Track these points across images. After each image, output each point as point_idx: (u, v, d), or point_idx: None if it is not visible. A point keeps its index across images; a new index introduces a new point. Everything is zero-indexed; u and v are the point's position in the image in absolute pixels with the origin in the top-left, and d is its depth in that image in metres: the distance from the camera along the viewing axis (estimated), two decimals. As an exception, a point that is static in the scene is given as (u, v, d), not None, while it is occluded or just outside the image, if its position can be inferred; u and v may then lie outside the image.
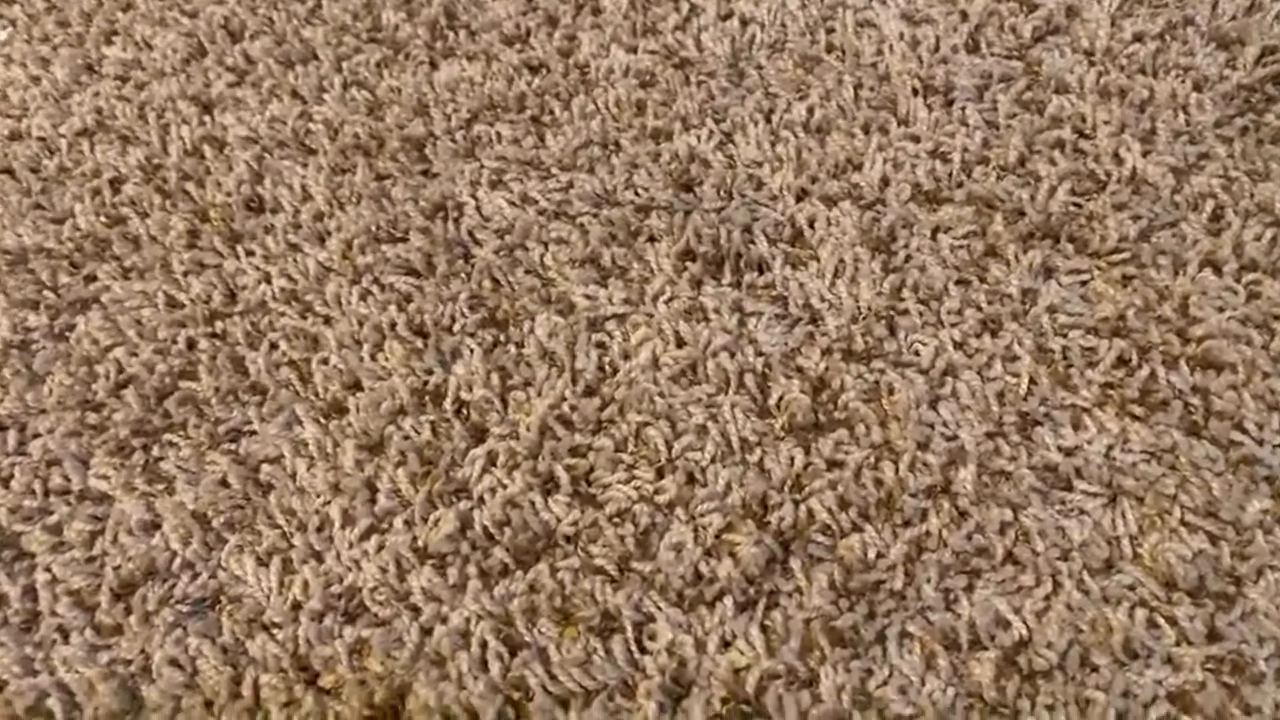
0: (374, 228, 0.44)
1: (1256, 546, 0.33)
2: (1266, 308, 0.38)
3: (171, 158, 0.47)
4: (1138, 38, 0.45)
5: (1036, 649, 0.32)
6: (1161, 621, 0.32)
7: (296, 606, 0.35)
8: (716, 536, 0.35)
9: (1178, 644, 0.32)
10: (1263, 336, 0.37)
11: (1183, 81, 0.44)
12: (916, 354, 0.38)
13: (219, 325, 0.42)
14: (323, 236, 0.44)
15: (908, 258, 0.40)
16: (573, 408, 0.38)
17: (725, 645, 0.33)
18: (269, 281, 0.43)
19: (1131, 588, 0.33)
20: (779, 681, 0.32)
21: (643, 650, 0.33)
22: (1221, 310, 0.38)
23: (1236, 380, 0.36)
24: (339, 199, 0.45)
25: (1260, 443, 0.35)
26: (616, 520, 0.35)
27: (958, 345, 0.38)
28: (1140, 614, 0.32)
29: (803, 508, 0.35)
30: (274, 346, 0.41)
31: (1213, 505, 0.34)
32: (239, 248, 0.44)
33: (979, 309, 0.39)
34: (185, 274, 0.43)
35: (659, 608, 0.34)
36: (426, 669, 0.33)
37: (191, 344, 0.41)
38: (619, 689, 0.32)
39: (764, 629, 0.33)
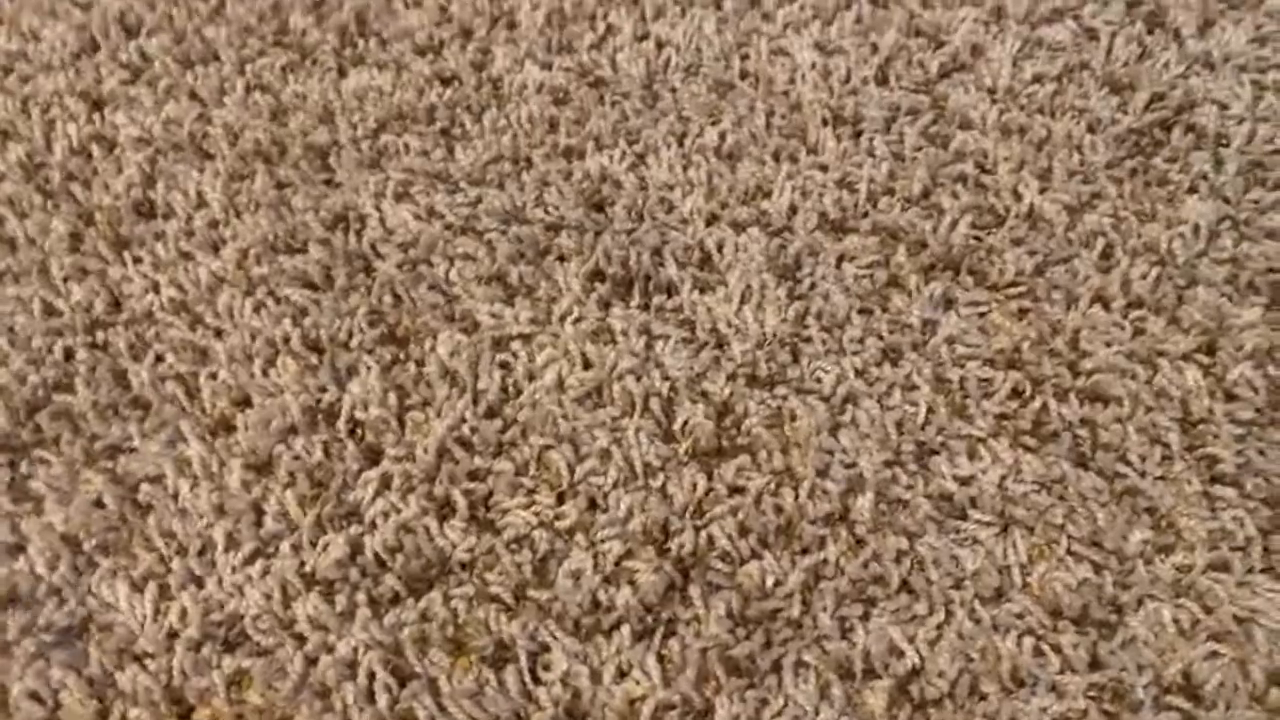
0: (271, 237, 0.42)
1: (1137, 576, 0.34)
2: (1150, 344, 0.39)
3: (56, 156, 0.45)
4: (1037, 79, 0.47)
5: (928, 677, 0.32)
6: (1048, 649, 0.33)
7: (172, 635, 0.33)
8: (616, 563, 0.34)
9: (1062, 672, 0.32)
10: (1146, 371, 0.38)
11: (1078, 123, 0.45)
12: (819, 381, 0.38)
13: (100, 335, 0.40)
14: (217, 245, 0.42)
15: (813, 285, 0.41)
16: (473, 429, 0.37)
17: (621, 675, 0.32)
18: (157, 290, 0.41)
19: (1020, 616, 0.33)
20: (674, 712, 0.32)
21: (536, 681, 0.32)
22: (1109, 345, 0.39)
23: (1122, 414, 0.37)
24: (236, 206, 0.43)
25: (1142, 474, 0.36)
26: (514, 547, 0.35)
27: (859, 373, 0.38)
28: (1028, 642, 0.33)
29: (703, 534, 0.35)
30: (159, 359, 0.39)
31: (1097, 535, 0.35)
32: (126, 254, 0.42)
33: (880, 338, 0.39)
34: (65, 279, 0.41)
35: (555, 637, 0.33)
36: (310, 701, 0.32)
37: (69, 354, 0.39)
38: (511, 721, 0.32)
39: (660, 658, 0.33)
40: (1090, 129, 0.45)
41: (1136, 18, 0.49)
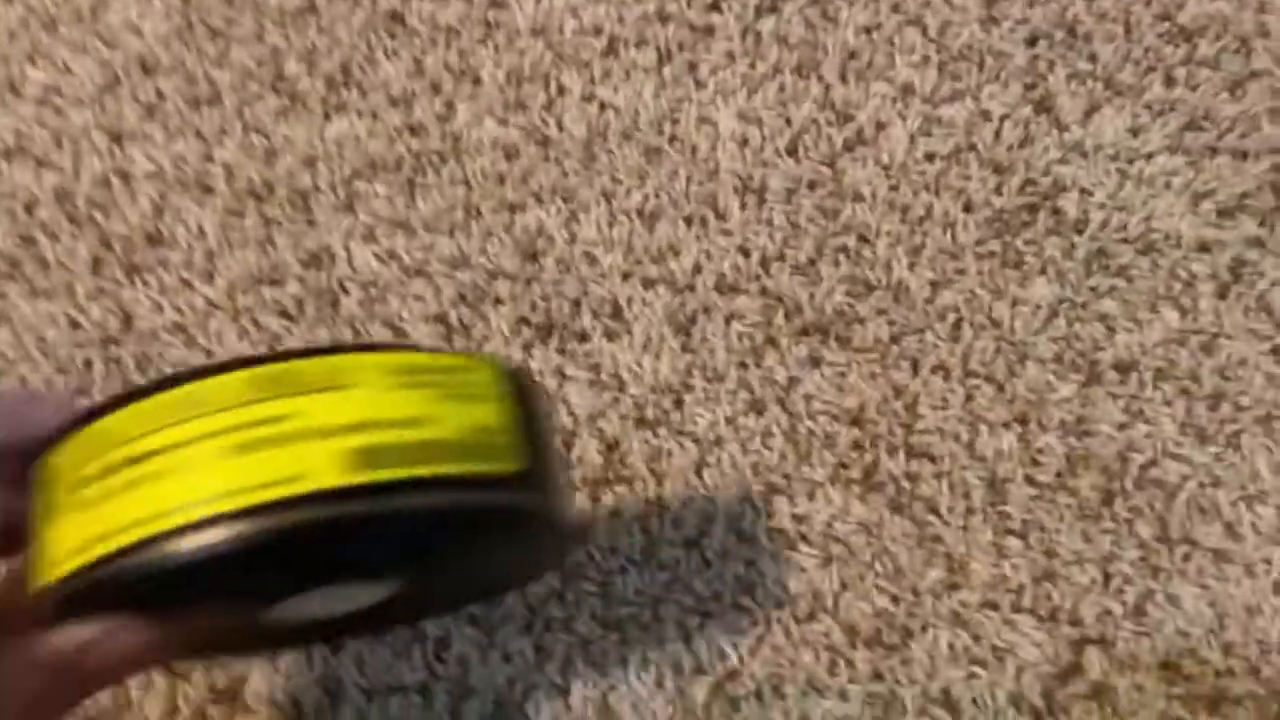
0: (257, 271, 0.51)
1: (925, 608, 0.42)
2: (978, 410, 0.46)
3: (83, 185, 0.53)
4: (929, 156, 0.53)
5: (743, 679, 0.41)
6: (841, 663, 0.41)
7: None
8: (509, 569, 0.43)
9: (851, 681, 0.41)
10: (969, 434, 0.46)
11: (956, 201, 0.52)
12: (695, 424, 0.46)
13: (113, 349, 0.48)
14: (212, 274, 0.51)
15: (703, 339, 0.49)
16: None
17: (505, 660, 0.42)
18: (161, 312, 0.50)
19: (825, 634, 0.42)
20: (540, 690, 0.41)
21: (439, 660, 0.41)
22: (942, 409, 0.46)
23: (941, 470, 0.45)
24: (230, 240, 0.52)
25: (947, 524, 0.44)
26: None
27: (728, 421, 0.46)
28: (825, 656, 0.41)
29: (584, 551, 0.43)
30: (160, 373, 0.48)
31: (899, 572, 0.43)
32: (137, 278, 0.50)
33: (750, 391, 0.47)
34: (87, 298, 0.50)
35: (455, 626, 0.42)
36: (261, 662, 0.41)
37: (88, 364, 0.48)
38: (415, 688, 0.41)
39: (537, 649, 0.42)
40: (966, 208, 0.52)
41: (1029, 101, 0.55)
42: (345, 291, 0.50)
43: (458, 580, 0.32)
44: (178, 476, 0.21)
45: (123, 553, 0.20)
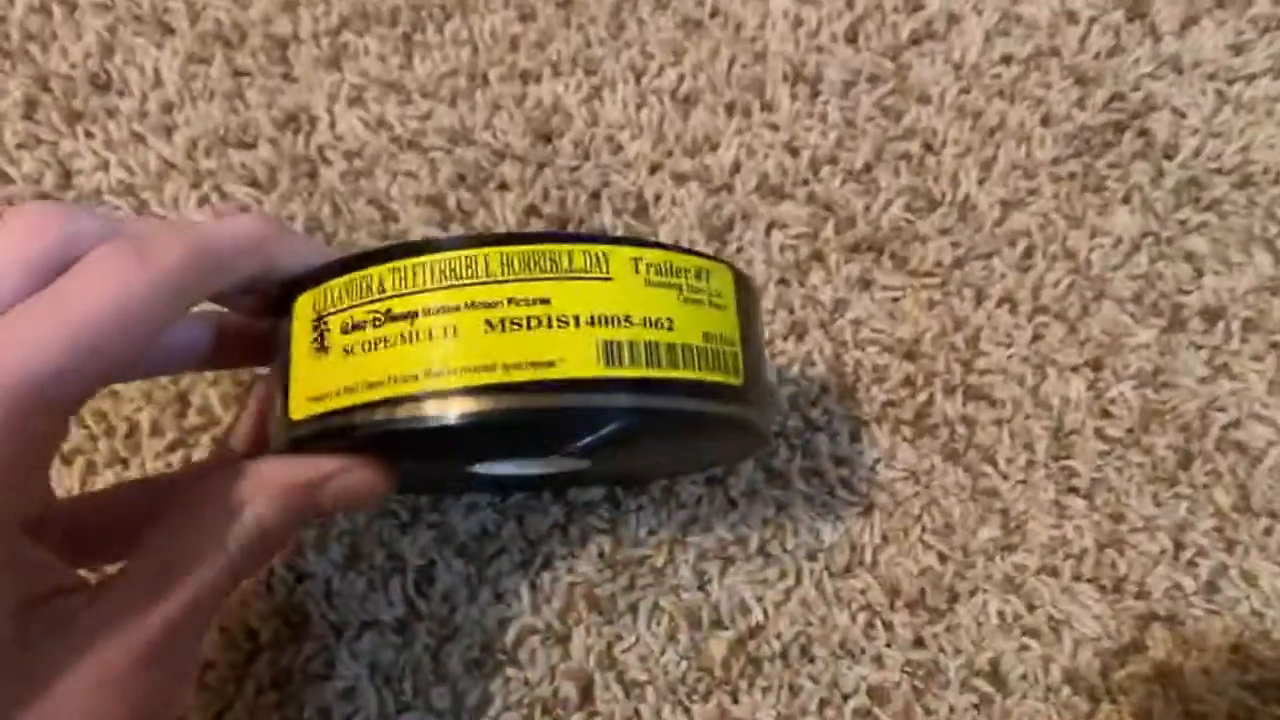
0: (223, 130, 0.43)
1: (976, 570, 0.37)
2: (1045, 351, 0.41)
3: (17, 12, 0.45)
4: (1005, 59, 0.47)
5: (767, 636, 0.36)
6: (879, 625, 0.36)
7: (94, 511, 0.36)
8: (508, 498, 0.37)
9: (888, 645, 0.36)
10: (1035, 378, 0.40)
11: (1033, 113, 0.45)
12: (726, 347, 0.40)
13: (48, 209, 0.41)
14: (170, 130, 0.43)
15: (739, 249, 0.42)
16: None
17: (496, 598, 0.36)
18: (106, 170, 0.42)
19: (862, 592, 0.37)
20: (536, 636, 0.36)
21: (420, 594, 0.36)
22: (1006, 347, 0.41)
23: (1002, 416, 0.40)
24: (191, 91, 0.44)
25: (1005, 477, 0.39)
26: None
27: (764, 344, 0.40)
28: (863, 617, 0.36)
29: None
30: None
31: (949, 528, 0.38)
32: (79, 128, 0.43)
33: (791, 311, 0.41)
34: (18, 146, 0.42)
35: (442, 556, 0.36)
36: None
37: (17, 224, 0.41)
38: (392, 625, 0.35)
39: (532, 586, 0.36)
40: (1044, 121, 0.45)
41: (1121, 4, 0.48)
42: (326, 162, 0.43)
43: (652, 461, 0.33)
44: (437, 341, 0.22)
45: (375, 405, 0.22)
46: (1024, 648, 0.36)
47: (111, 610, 0.22)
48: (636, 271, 0.23)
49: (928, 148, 0.45)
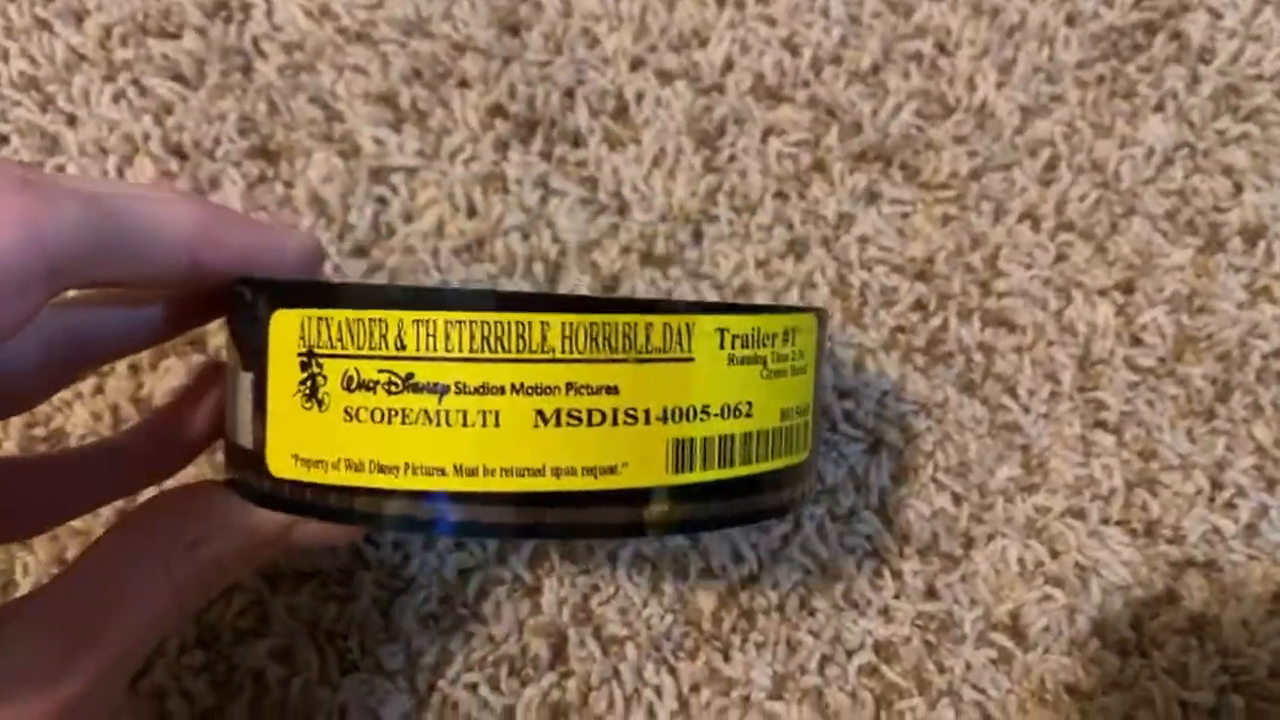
0: (142, 16, 0.37)
1: (994, 513, 0.33)
2: (1070, 272, 0.37)
3: (-101, -123, 0.39)
4: (1027, -50, 0.42)
5: (762, 587, 0.32)
6: (887, 574, 0.33)
7: (-11, 447, 0.31)
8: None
9: (896, 597, 0.32)
10: (1059, 302, 0.36)
11: (1057, 11, 0.41)
12: (716, 266, 0.36)
13: (-64, 103, 0.36)
14: (80, 16, 0.37)
15: (732, 158, 0.38)
16: (335, 267, 0.34)
17: (456, 546, 0.32)
18: (5, 60, 0.37)
19: (868, 538, 0.33)
20: (503, 587, 0.31)
21: (372, 544, 0.32)
22: (1028, 268, 0.37)
23: (1023, 343, 0.36)
24: (104, -29, 0.38)
25: (1026, 410, 0.35)
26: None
27: (759, 264, 0.36)
28: (869, 565, 0.33)
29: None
30: (3, 140, 0.35)
31: (965, 467, 0.34)
32: (-28, 10, 0.37)
33: (790, 227, 0.37)
34: (-100, 31, 0.36)
35: (393, 498, 0.32)
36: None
37: (-100, 120, 0.35)
38: (335, 577, 0.31)
39: (499, 533, 0.32)
40: (1069, 20, 0.41)
41: (1153, -106, 0.43)
42: (262, 54, 0.38)
43: None
44: (472, 429, 0.18)
45: (387, 495, 0.18)
46: (1047, 598, 0.33)
47: (27, 658, 0.18)
48: (721, 347, 0.19)
49: (941, 48, 0.40)
